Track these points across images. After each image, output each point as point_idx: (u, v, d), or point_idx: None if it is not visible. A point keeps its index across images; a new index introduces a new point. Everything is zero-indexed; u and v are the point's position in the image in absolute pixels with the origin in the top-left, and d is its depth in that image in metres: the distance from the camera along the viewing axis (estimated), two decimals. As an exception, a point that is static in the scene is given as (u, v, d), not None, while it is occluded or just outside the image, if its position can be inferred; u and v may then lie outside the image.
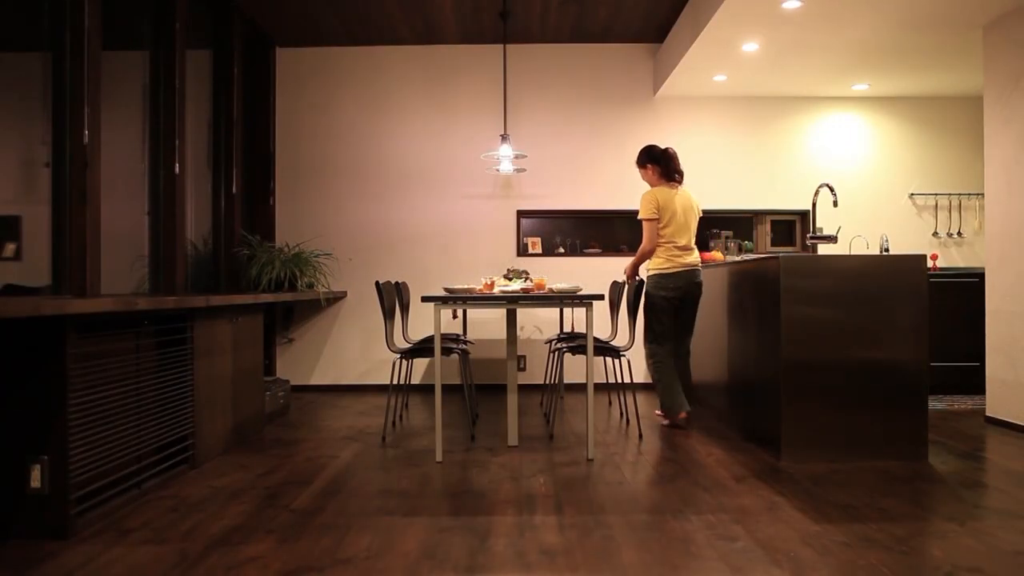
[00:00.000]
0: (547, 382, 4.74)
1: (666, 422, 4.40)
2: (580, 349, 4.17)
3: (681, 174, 4.39)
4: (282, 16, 5.43)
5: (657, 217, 4.23)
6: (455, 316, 5.74)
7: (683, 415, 4.29)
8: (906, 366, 3.46)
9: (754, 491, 2.97)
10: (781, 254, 3.56)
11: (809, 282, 3.47)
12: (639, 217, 4.31)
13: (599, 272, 5.94)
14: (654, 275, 4.28)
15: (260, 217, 5.87)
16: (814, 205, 4.52)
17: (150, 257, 4.20)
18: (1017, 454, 3.60)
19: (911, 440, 3.46)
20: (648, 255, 4.30)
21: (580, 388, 5.77)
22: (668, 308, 4.28)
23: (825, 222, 5.60)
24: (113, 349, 2.76)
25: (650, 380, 4.99)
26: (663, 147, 4.42)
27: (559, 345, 4.59)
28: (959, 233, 6.07)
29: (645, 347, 4.40)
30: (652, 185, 4.39)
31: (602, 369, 5.90)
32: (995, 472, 3.27)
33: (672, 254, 4.25)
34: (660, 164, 4.35)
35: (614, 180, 5.93)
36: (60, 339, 2.43)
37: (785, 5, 4.07)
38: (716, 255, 5.39)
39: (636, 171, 6.24)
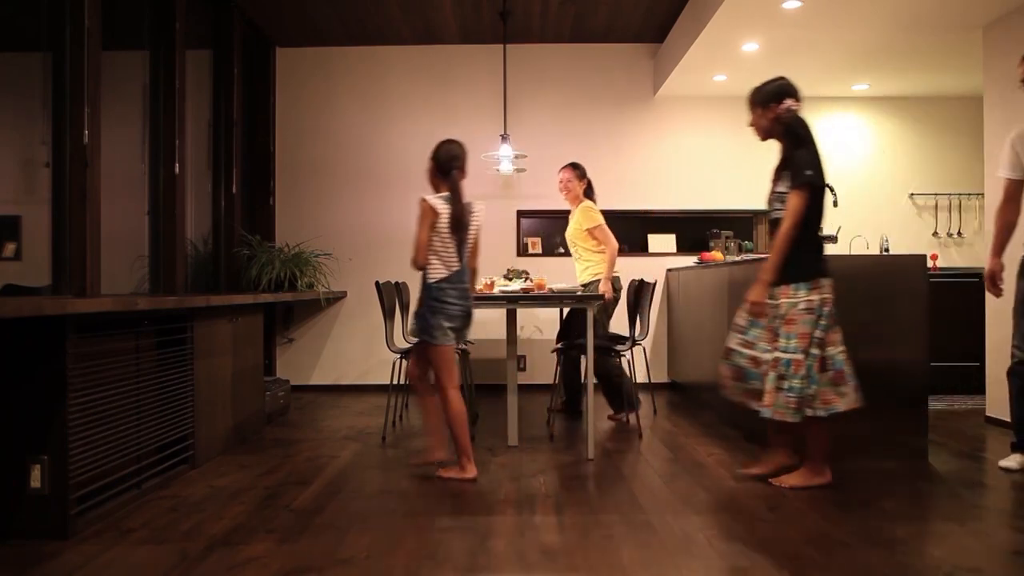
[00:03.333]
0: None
1: (621, 419, 4.52)
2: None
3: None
4: (282, 16, 5.43)
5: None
6: (455, 316, 5.74)
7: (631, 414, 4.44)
8: (906, 366, 3.46)
9: (754, 491, 2.97)
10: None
11: (809, 282, 3.45)
12: (591, 226, 4.37)
13: (599, 272, 5.93)
14: (609, 279, 4.34)
15: (260, 217, 5.87)
16: (814, 205, 4.51)
17: (150, 257, 4.20)
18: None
19: (911, 440, 3.46)
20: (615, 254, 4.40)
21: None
22: (614, 309, 4.45)
23: (825, 222, 5.58)
24: (113, 349, 2.76)
25: (647, 379, 4.98)
26: None
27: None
28: (959, 233, 6.07)
29: (604, 348, 4.31)
30: (576, 196, 4.51)
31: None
32: (995, 472, 3.26)
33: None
34: (588, 182, 4.56)
35: (614, 180, 5.92)
36: (60, 339, 2.42)
37: (785, 5, 4.07)
38: (716, 255, 5.38)
39: (636, 171, 6.22)
